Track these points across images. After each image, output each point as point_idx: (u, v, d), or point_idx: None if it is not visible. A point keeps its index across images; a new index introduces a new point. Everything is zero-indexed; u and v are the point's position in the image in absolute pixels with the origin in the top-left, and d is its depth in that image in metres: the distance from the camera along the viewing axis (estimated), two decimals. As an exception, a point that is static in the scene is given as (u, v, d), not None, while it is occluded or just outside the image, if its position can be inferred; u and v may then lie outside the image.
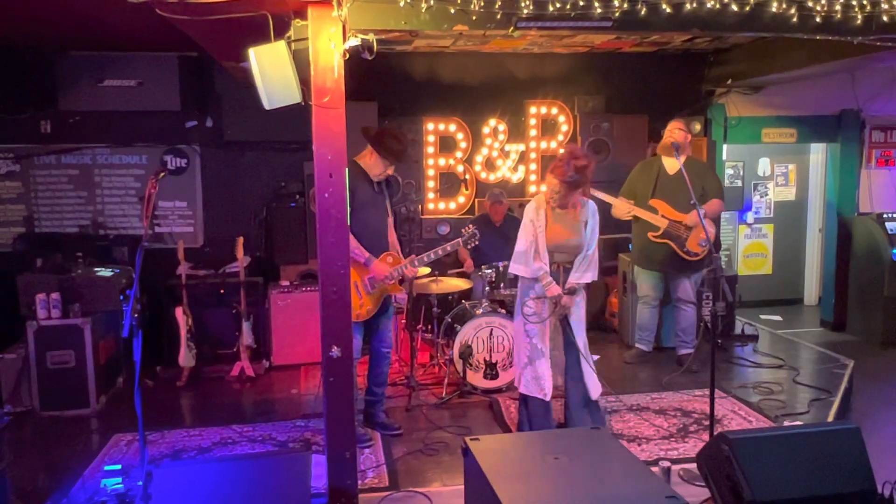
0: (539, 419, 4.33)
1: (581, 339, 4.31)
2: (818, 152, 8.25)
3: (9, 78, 6.14)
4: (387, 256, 4.44)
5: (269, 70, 3.30)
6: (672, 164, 5.62)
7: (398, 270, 4.42)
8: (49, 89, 6.12)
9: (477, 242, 4.84)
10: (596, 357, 5.72)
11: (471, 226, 4.93)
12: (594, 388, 4.33)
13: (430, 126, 6.89)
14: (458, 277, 5.91)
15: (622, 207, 5.66)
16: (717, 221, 6.92)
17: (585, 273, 4.25)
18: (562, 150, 5.52)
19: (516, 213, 6.65)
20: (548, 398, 4.29)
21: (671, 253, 5.63)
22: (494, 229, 6.18)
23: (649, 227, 5.62)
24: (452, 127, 6.92)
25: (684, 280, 5.76)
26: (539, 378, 4.26)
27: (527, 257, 4.21)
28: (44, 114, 6.34)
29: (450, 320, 5.43)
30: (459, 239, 4.74)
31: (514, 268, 4.30)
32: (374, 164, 4.35)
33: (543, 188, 4.92)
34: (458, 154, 6.96)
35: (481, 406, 5.12)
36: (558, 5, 3.51)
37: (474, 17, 3.46)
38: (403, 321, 5.93)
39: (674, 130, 5.56)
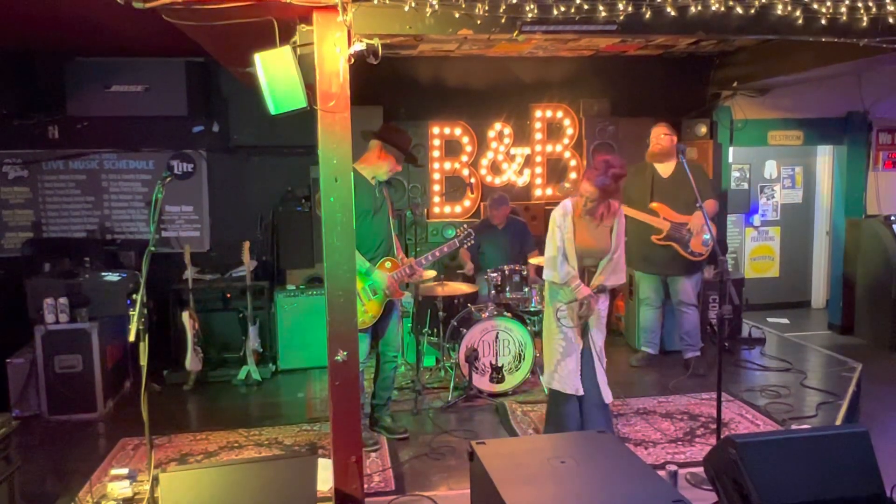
0: (570, 418, 4.23)
1: (600, 338, 4.25)
2: (825, 154, 8.22)
3: (17, 83, 6.19)
4: (385, 262, 4.42)
5: (275, 75, 3.31)
6: (665, 168, 5.68)
7: (398, 274, 4.41)
8: (57, 95, 6.16)
9: (472, 241, 4.82)
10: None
11: (465, 226, 4.92)
12: (606, 391, 4.28)
13: (436, 130, 6.89)
14: (462, 280, 5.90)
15: None
16: (719, 223, 6.92)
17: (611, 276, 4.21)
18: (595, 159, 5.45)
19: (522, 216, 6.66)
20: (580, 393, 4.19)
21: (674, 255, 5.62)
22: (497, 233, 6.17)
23: (652, 231, 5.62)
24: (458, 131, 6.92)
25: (685, 282, 5.75)
26: (571, 373, 4.18)
27: (556, 262, 4.16)
28: (52, 119, 6.39)
29: (455, 324, 5.43)
30: (455, 239, 4.74)
31: (546, 273, 4.24)
32: (382, 162, 4.33)
33: (566, 186, 4.85)
34: (464, 158, 6.96)
35: (487, 410, 5.12)
36: (563, 9, 3.51)
37: (479, 22, 3.46)
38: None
39: (660, 136, 5.63)
